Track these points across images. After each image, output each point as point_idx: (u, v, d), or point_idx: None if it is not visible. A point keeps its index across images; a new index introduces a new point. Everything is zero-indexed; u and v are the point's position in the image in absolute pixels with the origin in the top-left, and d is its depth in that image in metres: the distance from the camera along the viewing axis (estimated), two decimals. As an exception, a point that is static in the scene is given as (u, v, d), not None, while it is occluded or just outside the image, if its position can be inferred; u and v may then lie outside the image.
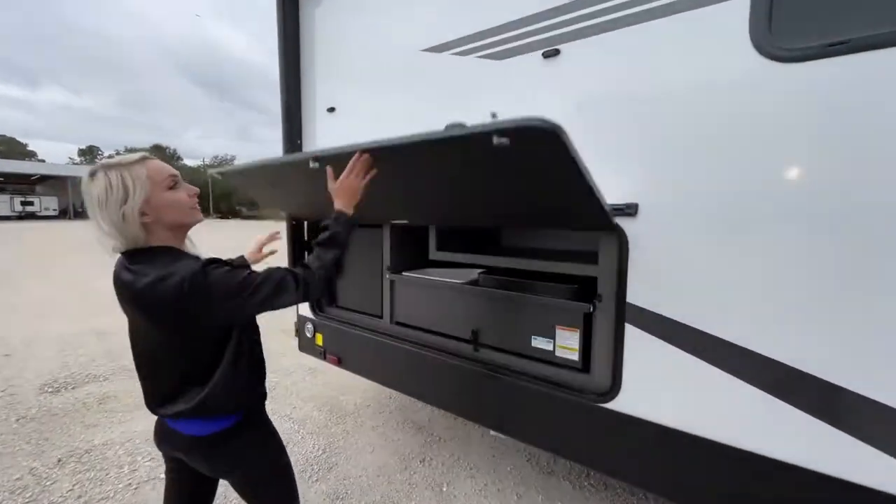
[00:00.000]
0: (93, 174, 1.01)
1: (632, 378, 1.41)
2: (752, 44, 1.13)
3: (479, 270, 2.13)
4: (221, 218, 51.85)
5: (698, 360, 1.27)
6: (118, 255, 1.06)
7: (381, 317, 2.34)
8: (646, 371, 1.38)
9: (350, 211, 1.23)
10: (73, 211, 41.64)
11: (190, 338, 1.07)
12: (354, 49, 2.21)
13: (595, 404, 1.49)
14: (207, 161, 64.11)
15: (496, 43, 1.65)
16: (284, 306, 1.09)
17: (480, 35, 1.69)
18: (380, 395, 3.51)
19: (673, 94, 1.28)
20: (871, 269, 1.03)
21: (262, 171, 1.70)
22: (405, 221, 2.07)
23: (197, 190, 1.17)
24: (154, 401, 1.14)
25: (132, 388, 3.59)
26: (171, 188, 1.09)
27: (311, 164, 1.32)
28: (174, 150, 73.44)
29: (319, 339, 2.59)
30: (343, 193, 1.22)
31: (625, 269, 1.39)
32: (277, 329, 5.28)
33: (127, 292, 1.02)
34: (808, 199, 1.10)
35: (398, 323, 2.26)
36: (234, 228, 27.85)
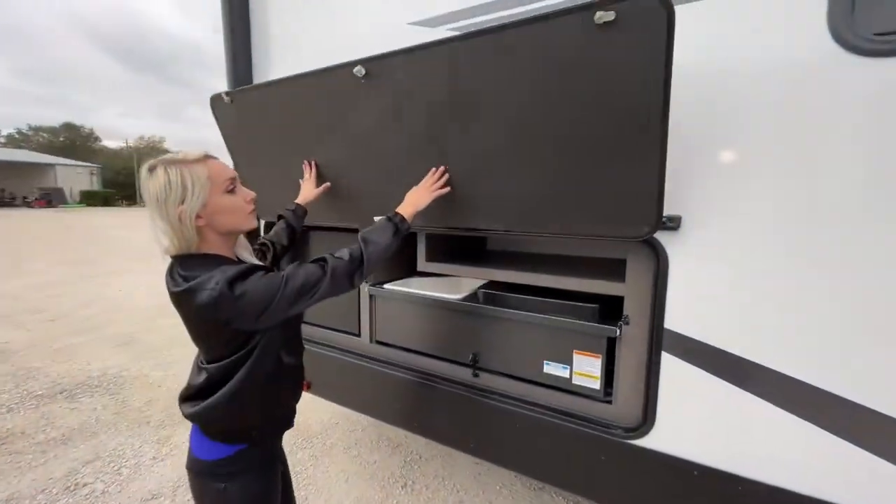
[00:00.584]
0: (152, 169, 0.97)
1: (668, 413, 1.24)
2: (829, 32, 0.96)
3: (478, 284, 1.86)
4: (151, 206, 47.16)
5: (748, 394, 1.12)
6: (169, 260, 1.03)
7: (358, 335, 2.03)
8: (686, 406, 1.22)
9: (409, 216, 1.25)
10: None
11: (220, 344, 1.02)
12: None
13: (623, 441, 1.32)
14: (132, 142, 57.66)
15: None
16: (321, 297, 1.03)
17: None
18: (347, 411, 3.21)
19: (732, 88, 1.09)
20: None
21: (287, 91, 1.60)
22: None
23: (254, 195, 1.10)
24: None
25: (45, 419, 3.00)
26: (229, 191, 1.03)
27: (356, 72, 1.33)
28: (90, 130, 65.18)
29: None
30: (410, 200, 1.29)
31: (663, 290, 1.21)
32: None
33: (172, 297, 0.99)
34: (884, 212, 0.96)
35: (380, 342, 1.97)
36: (167, 218, 25.39)
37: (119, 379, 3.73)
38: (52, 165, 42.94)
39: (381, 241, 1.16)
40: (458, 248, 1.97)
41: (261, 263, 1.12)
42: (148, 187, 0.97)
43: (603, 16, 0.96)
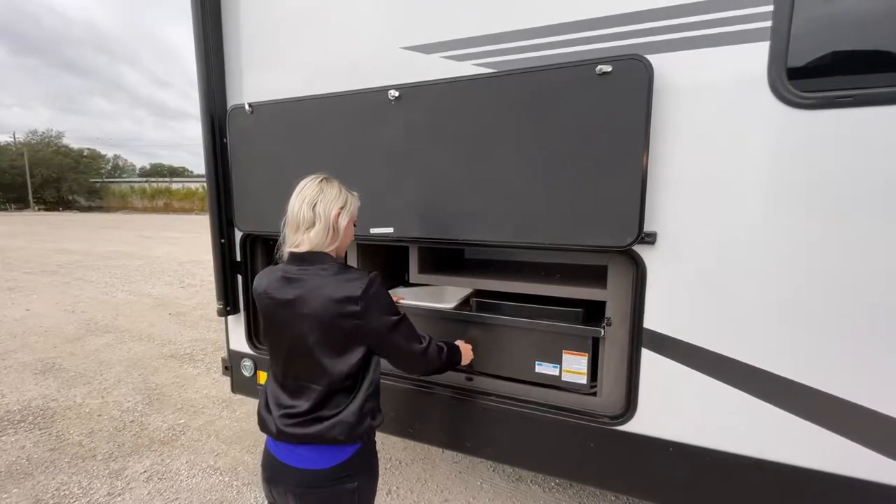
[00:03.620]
0: (329, 179, 1.27)
1: (647, 400, 1.45)
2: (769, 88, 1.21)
3: (463, 294, 1.97)
4: (47, 210, 41.28)
5: (713, 379, 1.36)
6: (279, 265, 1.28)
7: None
8: (663, 393, 1.43)
9: (463, 355, 1.53)
10: None
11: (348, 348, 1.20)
12: None
13: (609, 427, 1.51)
14: (21, 137, 49.90)
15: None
16: (409, 359, 1.32)
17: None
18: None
19: (690, 126, 1.31)
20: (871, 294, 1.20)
21: (311, 106, 1.78)
22: (390, 230, 1.76)
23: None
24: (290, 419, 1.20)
25: (-40, 465, 2.60)
26: (355, 225, 1.34)
27: (390, 94, 1.59)
28: (-36, 121, 55.17)
29: (263, 377, 2.18)
30: (464, 348, 1.56)
31: (641, 294, 1.41)
32: (165, 354, 4.40)
33: (297, 291, 1.18)
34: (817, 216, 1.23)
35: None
36: (77, 226, 22.45)
37: (47, 411, 3.32)
38: (-89, 163, 36.00)
39: (456, 359, 1.49)
40: (445, 260, 2.07)
41: None
42: (323, 188, 1.23)
43: (603, 68, 1.20)
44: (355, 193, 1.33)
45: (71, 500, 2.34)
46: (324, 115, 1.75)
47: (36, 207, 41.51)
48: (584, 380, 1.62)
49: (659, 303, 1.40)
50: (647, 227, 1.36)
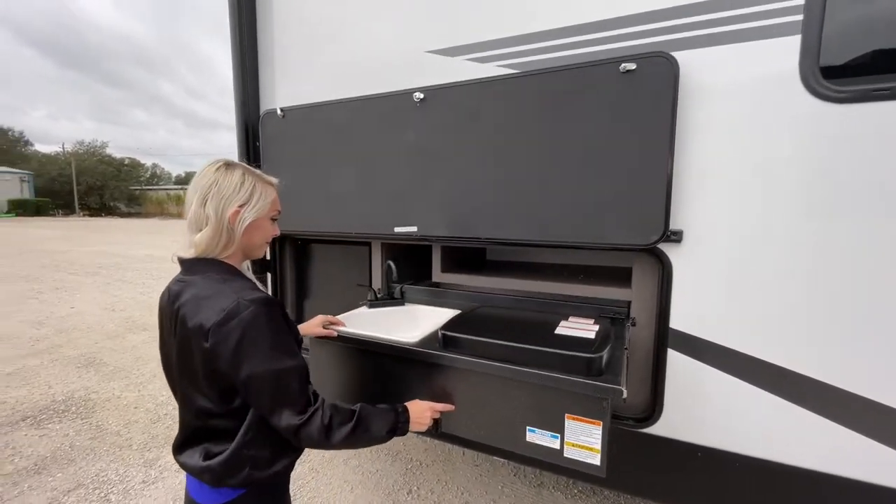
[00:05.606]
0: (231, 166, 1.03)
1: (674, 402, 1.42)
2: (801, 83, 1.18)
3: (443, 318, 1.54)
4: (91, 215, 43.75)
5: (743, 382, 1.32)
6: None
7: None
8: (690, 396, 1.40)
9: (412, 422, 1.16)
10: None
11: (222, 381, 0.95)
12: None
13: (634, 430, 1.48)
14: (69, 147, 53.26)
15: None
16: (281, 430, 0.95)
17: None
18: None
19: (717, 123, 1.30)
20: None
21: (339, 110, 1.81)
22: (413, 228, 1.73)
23: (278, 233, 1.16)
24: (177, 439, 1.04)
25: (10, 448, 2.78)
26: (273, 220, 1.11)
27: (415, 97, 1.61)
28: (20, 133, 59.54)
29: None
30: (416, 413, 1.18)
31: (667, 294, 1.39)
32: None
33: (171, 308, 0.98)
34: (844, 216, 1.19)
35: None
36: (117, 231, 23.68)
37: (88, 402, 3.50)
38: (-28, 172, 38.99)
39: (378, 431, 1.07)
40: (468, 259, 2.09)
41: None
42: (218, 179, 1.00)
43: (627, 66, 1.21)
44: (274, 181, 1.10)
45: (109, 486, 2.46)
46: (351, 118, 1.82)
47: (81, 213, 44.04)
48: (597, 459, 1.11)
49: (685, 303, 1.38)
50: (673, 226, 1.35)
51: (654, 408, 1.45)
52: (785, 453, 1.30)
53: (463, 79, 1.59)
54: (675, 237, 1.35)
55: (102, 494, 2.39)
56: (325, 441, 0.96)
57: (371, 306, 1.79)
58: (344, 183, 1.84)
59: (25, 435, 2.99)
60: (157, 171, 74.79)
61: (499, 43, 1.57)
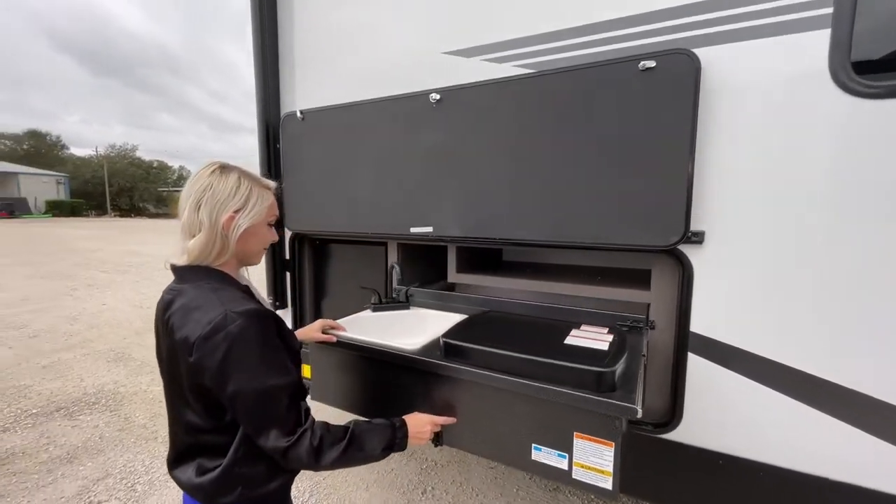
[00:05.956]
0: (226, 169, 0.99)
1: (695, 407, 1.38)
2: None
3: (448, 323, 1.50)
4: (121, 216, 45.49)
5: (768, 388, 1.27)
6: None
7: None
8: (712, 401, 1.36)
9: (411, 436, 1.10)
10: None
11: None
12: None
13: (653, 435, 1.45)
14: (102, 150, 55.63)
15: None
16: (268, 443, 0.89)
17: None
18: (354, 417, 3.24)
19: (741, 121, 1.26)
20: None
21: (357, 112, 1.83)
22: (429, 229, 1.72)
23: (277, 238, 1.13)
24: (170, 454, 1.02)
25: (45, 438, 2.92)
26: (270, 225, 1.07)
27: (431, 98, 1.63)
28: (57, 137, 62.48)
29: (307, 371, 2.28)
30: (414, 427, 1.12)
31: (688, 297, 1.35)
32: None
33: (163, 317, 0.95)
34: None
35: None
36: (146, 231, 24.54)
37: (117, 395, 3.64)
38: (14, 174, 41.04)
39: (372, 449, 1.01)
40: (483, 260, 2.08)
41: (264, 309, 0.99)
42: (212, 183, 0.95)
43: (646, 63, 1.21)
44: (272, 185, 1.06)
45: (135, 477, 2.55)
46: (367, 119, 1.84)
47: (112, 214, 45.91)
48: (608, 483, 1.04)
49: (707, 305, 1.34)
50: (694, 227, 1.31)
51: (673, 413, 1.42)
52: (813, 464, 1.24)
53: (479, 79, 1.59)
54: (697, 238, 1.32)
55: (129, 484, 2.48)
56: (314, 463, 0.91)
57: (375, 310, 1.74)
58: (360, 183, 1.86)
59: (59, 425, 3.13)
60: (184, 173, 77.29)
61: (515, 43, 1.56)
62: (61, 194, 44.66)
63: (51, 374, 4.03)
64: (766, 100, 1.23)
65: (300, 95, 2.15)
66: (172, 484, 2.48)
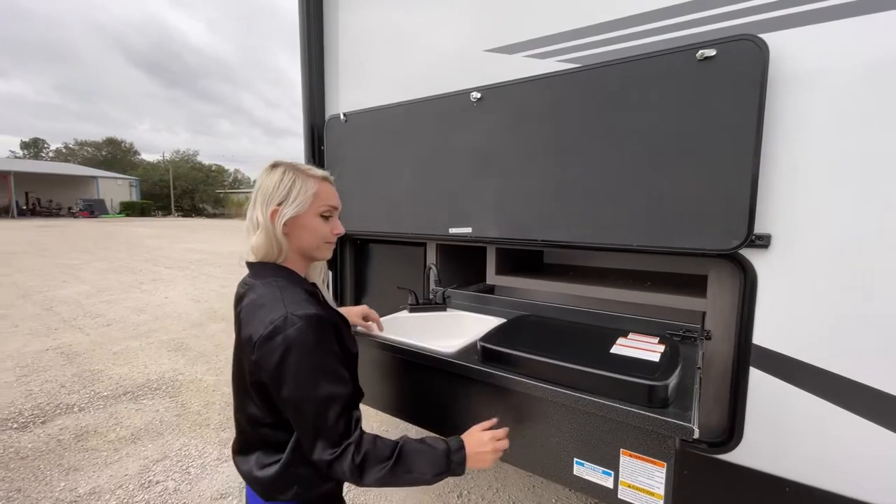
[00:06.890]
0: (274, 166, 1.00)
1: (757, 427, 1.26)
2: (929, 60, 1.00)
3: (480, 337, 1.33)
4: (183, 216, 49.22)
5: (842, 409, 1.14)
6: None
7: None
8: (777, 421, 1.23)
9: (469, 458, 0.99)
10: (16, 209, 38.26)
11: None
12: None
13: (708, 455, 1.34)
14: (168, 156, 60.69)
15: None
16: (313, 454, 0.88)
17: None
18: (390, 418, 3.28)
19: (814, 114, 1.13)
20: None
21: (397, 113, 1.86)
22: (468, 230, 1.70)
23: (342, 231, 1.08)
24: (235, 441, 1.07)
25: (113, 419, 3.19)
26: (324, 216, 1.03)
27: (472, 97, 1.61)
28: (131, 144, 68.78)
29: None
30: (473, 449, 1.00)
31: (751, 306, 1.24)
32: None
33: (236, 310, 1.00)
34: None
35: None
36: (205, 230, 26.39)
37: (175, 382, 3.91)
38: (94, 178, 45.52)
39: (421, 473, 0.92)
40: (523, 262, 2.03)
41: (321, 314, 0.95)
42: (262, 181, 0.99)
43: (705, 52, 1.13)
44: (319, 173, 1.03)
45: (189, 461, 2.71)
46: (408, 120, 1.85)
47: (176, 214, 49.75)
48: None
49: (772, 315, 1.22)
50: (759, 229, 1.20)
51: (731, 432, 1.30)
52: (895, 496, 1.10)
53: (522, 76, 1.55)
54: (762, 242, 1.20)
55: (184, 467, 2.65)
56: (358, 480, 0.88)
57: (412, 311, 1.72)
58: (401, 184, 1.87)
59: (125, 408, 3.40)
60: (239, 176, 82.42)
61: (559, 37, 1.51)
62: (133, 196, 48.98)
63: (120, 361, 4.40)
64: (844, 89, 1.10)
65: (344, 98, 2.21)
66: (223, 469, 2.62)
